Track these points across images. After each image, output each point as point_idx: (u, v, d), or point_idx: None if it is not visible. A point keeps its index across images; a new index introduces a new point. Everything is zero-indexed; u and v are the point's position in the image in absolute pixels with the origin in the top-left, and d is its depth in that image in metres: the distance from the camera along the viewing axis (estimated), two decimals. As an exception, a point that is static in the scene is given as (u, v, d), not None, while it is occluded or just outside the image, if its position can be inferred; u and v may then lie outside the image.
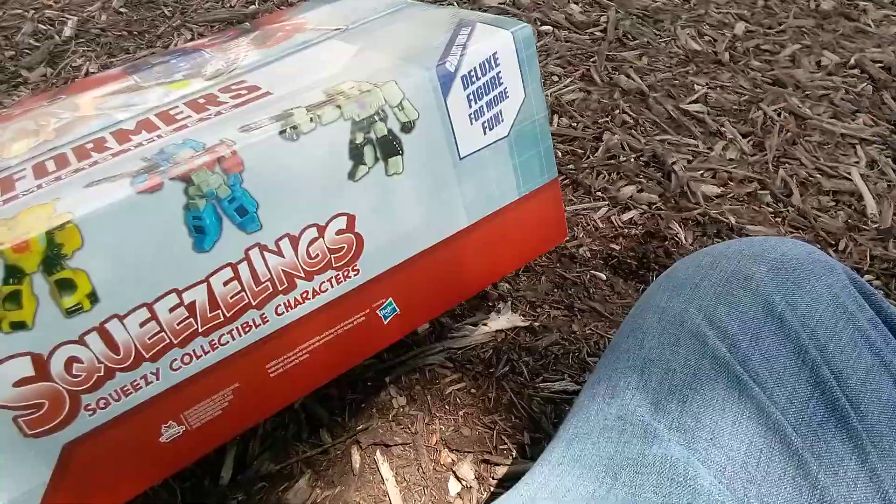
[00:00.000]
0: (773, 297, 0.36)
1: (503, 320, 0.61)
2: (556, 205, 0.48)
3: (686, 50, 0.99)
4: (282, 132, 0.34)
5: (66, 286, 0.32)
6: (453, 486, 0.50)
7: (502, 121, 0.40)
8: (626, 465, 0.32)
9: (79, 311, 0.33)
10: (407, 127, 0.38)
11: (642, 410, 0.35)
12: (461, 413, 0.54)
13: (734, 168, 0.78)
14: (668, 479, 0.31)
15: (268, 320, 0.39)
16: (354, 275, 0.41)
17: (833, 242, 0.69)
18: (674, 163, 0.78)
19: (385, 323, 0.44)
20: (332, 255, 0.39)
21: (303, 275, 0.38)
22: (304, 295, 0.39)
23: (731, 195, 0.74)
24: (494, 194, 0.45)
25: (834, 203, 0.74)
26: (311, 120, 0.35)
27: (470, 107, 0.39)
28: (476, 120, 0.39)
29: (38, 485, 0.35)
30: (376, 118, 0.37)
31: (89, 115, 0.43)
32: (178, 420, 0.38)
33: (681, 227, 0.71)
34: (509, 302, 0.62)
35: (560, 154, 0.81)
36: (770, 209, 0.73)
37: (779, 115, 0.86)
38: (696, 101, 0.89)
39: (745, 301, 0.36)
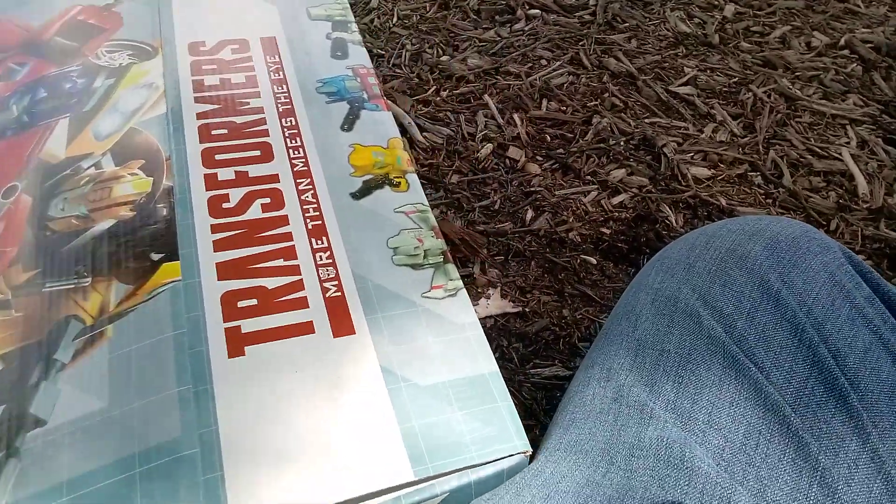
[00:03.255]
0: (769, 276, 0.35)
1: (492, 306, 0.60)
2: None
3: (675, 32, 0.98)
4: None
5: None
6: (445, 475, 0.49)
7: None
8: (621, 448, 0.32)
9: None
10: None
11: (637, 391, 0.34)
12: (452, 400, 0.53)
13: (724, 150, 0.77)
14: (663, 462, 0.30)
15: None
16: None
17: (824, 223, 0.68)
18: (664, 145, 0.77)
19: None
20: None
21: None
22: None
23: (721, 177, 0.74)
24: None
25: (825, 183, 0.73)
26: None
27: None
28: None
29: None
30: None
31: None
32: None
33: (671, 209, 0.70)
34: (499, 288, 0.62)
35: (549, 138, 0.80)
36: (761, 190, 0.72)
37: (769, 96, 0.85)
38: (685, 84, 0.88)
39: (740, 280, 0.36)
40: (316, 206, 0.45)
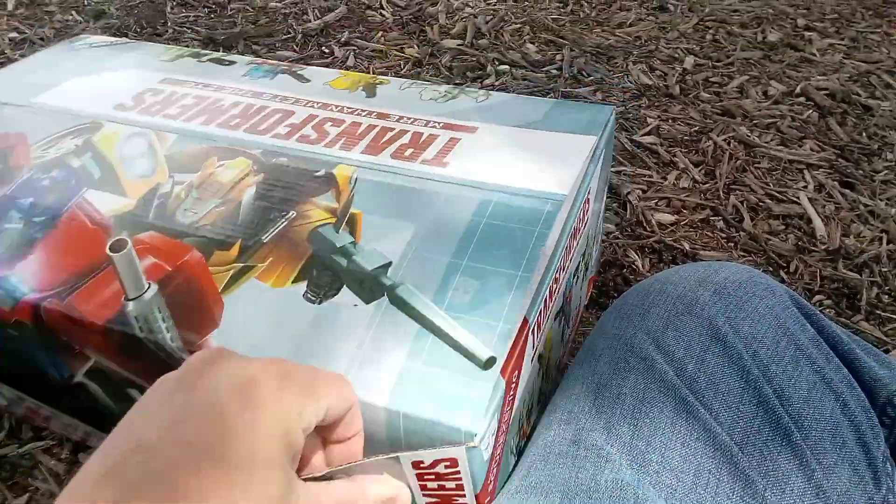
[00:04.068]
0: (717, 320, 0.37)
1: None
2: None
3: (638, 84, 1.02)
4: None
5: None
6: (419, 524, 0.50)
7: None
8: (579, 491, 0.33)
9: None
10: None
11: (595, 435, 0.35)
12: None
13: (687, 196, 0.80)
14: (618, 504, 0.31)
15: None
16: None
17: (784, 265, 0.71)
18: (629, 193, 0.80)
19: None
20: None
21: None
22: None
23: (684, 222, 0.76)
24: None
25: (784, 226, 0.76)
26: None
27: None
28: None
29: None
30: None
31: None
32: None
33: (637, 254, 0.72)
34: (472, 335, 0.63)
35: (519, 188, 0.83)
36: (723, 234, 0.75)
37: (728, 143, 0.89)
38: (649, 133, 0.91)
39: (690, 325, 0.37)
40: (370, 111, 0.53)
